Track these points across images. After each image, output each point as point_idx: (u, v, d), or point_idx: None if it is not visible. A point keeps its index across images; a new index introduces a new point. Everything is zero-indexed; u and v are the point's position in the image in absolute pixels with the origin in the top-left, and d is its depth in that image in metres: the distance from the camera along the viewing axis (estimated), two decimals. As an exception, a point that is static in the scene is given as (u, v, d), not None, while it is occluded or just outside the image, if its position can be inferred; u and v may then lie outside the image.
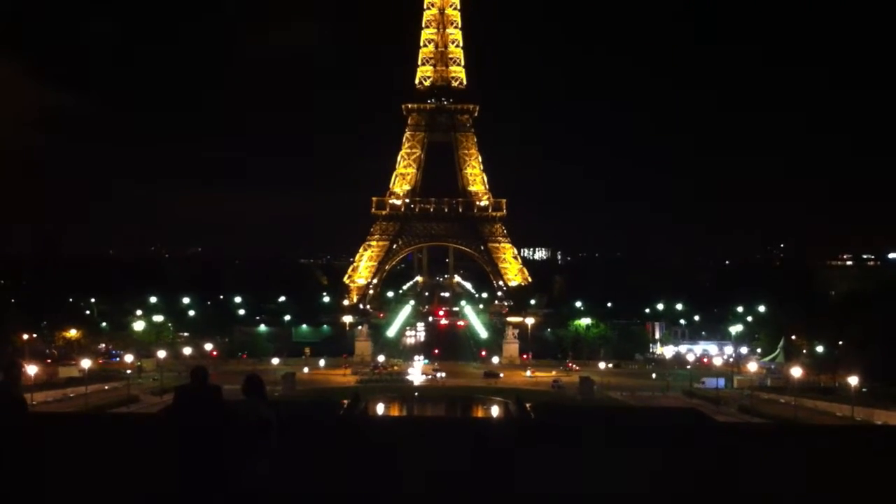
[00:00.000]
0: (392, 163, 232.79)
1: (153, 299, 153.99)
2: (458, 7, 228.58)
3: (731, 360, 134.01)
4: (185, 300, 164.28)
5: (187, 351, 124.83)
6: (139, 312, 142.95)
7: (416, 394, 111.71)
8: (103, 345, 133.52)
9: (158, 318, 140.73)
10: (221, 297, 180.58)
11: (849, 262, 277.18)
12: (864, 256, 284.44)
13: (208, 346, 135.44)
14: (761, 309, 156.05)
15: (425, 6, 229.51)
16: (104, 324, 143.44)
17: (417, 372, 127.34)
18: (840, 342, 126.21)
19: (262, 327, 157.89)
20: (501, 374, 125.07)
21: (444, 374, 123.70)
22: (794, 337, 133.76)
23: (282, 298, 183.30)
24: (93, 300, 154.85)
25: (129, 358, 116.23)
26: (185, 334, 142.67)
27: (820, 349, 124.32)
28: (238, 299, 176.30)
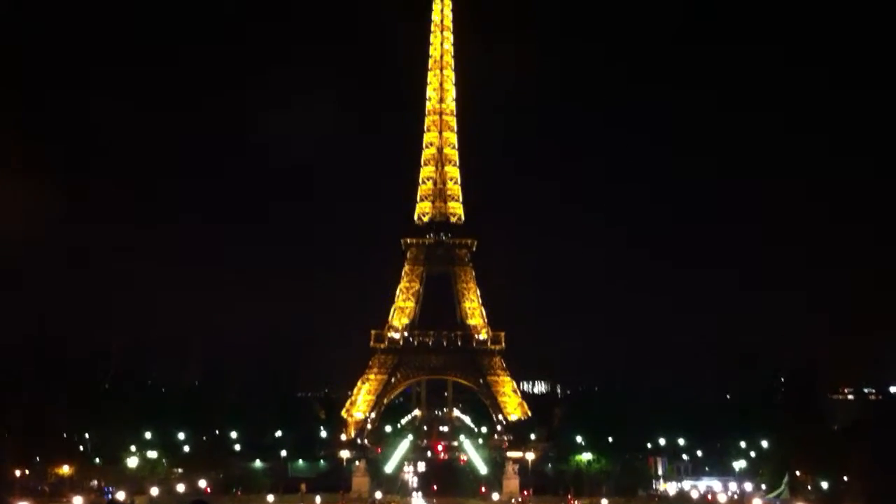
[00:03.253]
0: (390, 295, 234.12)
1: (147, 434, 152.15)
2: (456, 146, 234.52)
3: (736, 496, 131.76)
4: (180, 435, 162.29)
5: (181, 487, 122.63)
6: (133, 448, 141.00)
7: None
8: (95, 481, 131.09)
9: (152, 454, 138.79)
10: (217, 431, 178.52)
11: (850, 396, 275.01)
12: (866, 390, 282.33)
13: (202, 483, 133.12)
14: (764, 444, 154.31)
15: (424, 145, 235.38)
16: (97, 459, 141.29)
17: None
18: (845, 476, 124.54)
19: (258, 462, 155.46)
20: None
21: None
22: (798, 472, 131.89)
23: (278, 433, 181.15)
24: (87, 435, 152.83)
25: (121, 495, 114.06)
26: (179, 470, 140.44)
27: (825, 484, 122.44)
28: (234, 434, 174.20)
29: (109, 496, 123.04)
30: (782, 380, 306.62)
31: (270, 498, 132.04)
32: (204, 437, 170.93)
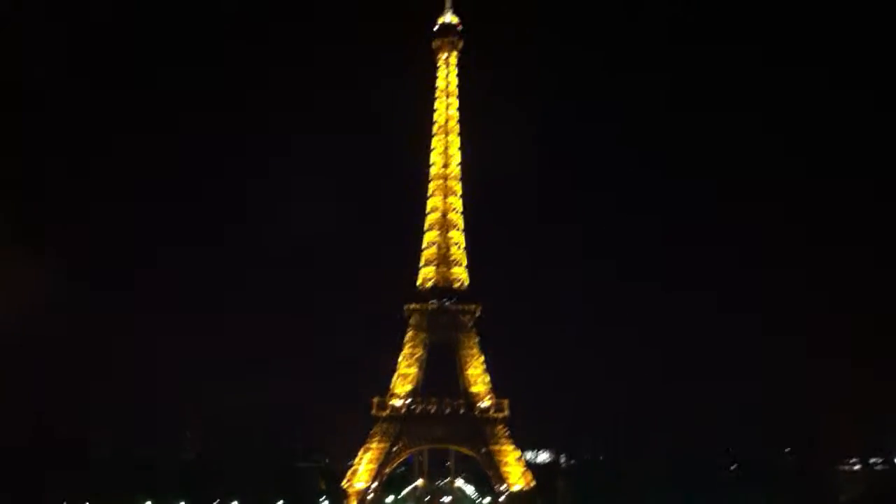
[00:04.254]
0: (392, 362, 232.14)
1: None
2: (461, 211, 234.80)
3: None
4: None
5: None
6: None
7: None
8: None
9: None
10: (217, 502, 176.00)
11: (856, 467, 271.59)
12: (872, 461, 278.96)
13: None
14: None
15: (427, 210, 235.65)
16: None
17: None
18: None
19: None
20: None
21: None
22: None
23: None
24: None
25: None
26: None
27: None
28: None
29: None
30: (787, 450, 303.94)
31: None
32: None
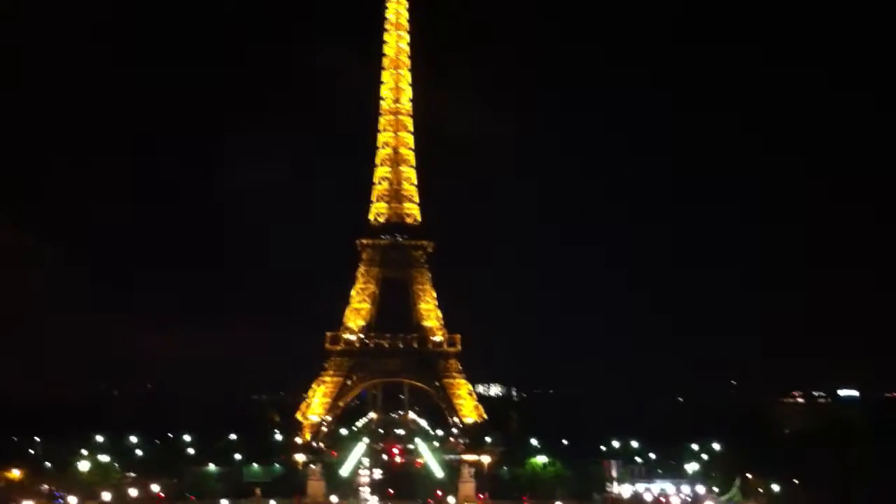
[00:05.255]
0: (345, 297, 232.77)
1: (99, 438, 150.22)
2: (413, 147, 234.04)
3: (689, 498, 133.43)
4: (133, 439, 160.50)
5: (133, 492, 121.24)
6: (84, 452, 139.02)
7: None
8: (46, 486, 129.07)
9: (104, 459, 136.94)
10: (170, 435, 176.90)
11: (800, 400, 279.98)
12: (815, 394, 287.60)
13: (155, 488, 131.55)
14: (716, 447, 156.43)
15: (380, 145, 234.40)
16: (48, 463, 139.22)
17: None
18: (795, 480, 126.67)
19: (212, 467, 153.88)
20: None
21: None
22: (749, 475, 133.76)
23: (233, 437, 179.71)
24: (37, 439, 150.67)
25: (72, 500, 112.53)
26: (132, 475, 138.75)
27: (776, 488, 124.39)
28: (187, 438, 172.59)
29: (60, 501, 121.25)
30: (733, 383, 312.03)
31: (225, 502, 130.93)
32: (157, 441, 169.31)
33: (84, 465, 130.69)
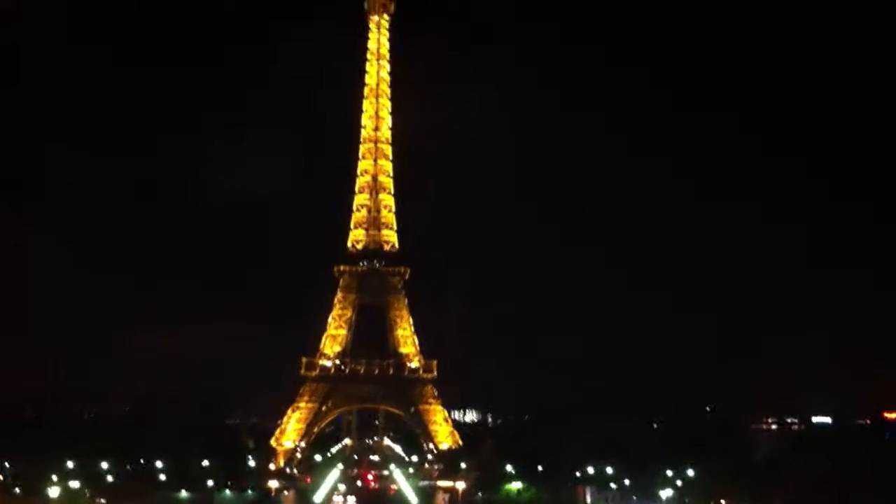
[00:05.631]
0: (322, 323, 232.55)
1: (70, 464, 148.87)
2: (391, 174, 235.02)
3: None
4: (104, 464, 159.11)
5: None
6: (55, 478, 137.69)
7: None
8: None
9: (75, 485, 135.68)
10: (142, 460, 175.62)
11: (773, 426, 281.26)
12: (789, 420, 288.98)
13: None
14: (690, 473, 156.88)
15: (358, 172, 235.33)
16: (17, 489, 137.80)
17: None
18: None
19: (184, 492, 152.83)
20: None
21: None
22: (723, 501, 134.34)
23: (205, 463, 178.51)
24: (7, 464, 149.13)
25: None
26: (103, 501, 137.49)
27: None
28: (159, 463, 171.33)
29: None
30: (708, 409, 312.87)
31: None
32: (128, 467, 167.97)
33: (54, 492, 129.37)
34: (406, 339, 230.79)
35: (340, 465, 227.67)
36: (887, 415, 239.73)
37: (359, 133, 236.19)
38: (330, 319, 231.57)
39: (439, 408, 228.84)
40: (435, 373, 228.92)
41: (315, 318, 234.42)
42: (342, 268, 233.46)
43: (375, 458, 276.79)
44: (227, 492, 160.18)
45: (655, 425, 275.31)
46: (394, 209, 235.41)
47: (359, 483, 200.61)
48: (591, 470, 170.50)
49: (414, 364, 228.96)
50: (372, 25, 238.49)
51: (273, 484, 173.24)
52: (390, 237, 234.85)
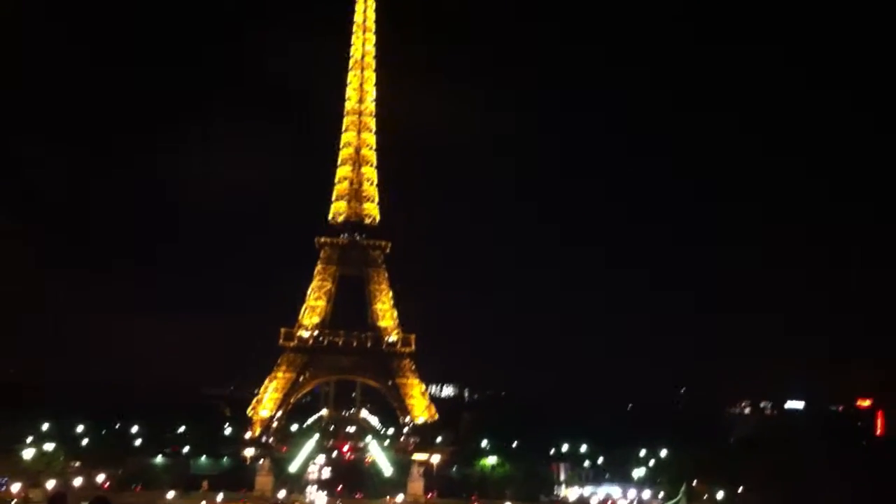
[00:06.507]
0: (301, 294, 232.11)
1: (45, 426, 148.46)
2: (374, 147, 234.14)
3: (635, 503, 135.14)
4: (79, 427, 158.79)
5: (78, 482, 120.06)
6: (29, 439, 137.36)
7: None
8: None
9: (49, 447, 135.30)
10: (118, 425, 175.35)
11: (747, 410, 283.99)
12: (762, 405, 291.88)
13: (101, 478, 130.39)
14: (663, 453, 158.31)
15: (341, 145, 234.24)
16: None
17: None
18: (740, 488, 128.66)
19: (159, 458, 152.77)
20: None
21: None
22: (695, 482, 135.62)
23: (181, 429, 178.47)
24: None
25: (15, 487, 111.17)
26: (77, 464, 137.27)
27: (720, 494, 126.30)
28: (135, 428, 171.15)
29: (3, 487, 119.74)
30: (682, 391, 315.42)
31: (171, 495, 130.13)
32: (104, 431, 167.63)
33: (29, 453, 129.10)
34: (385, 312, 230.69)
35: (317, 436, 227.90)
36: (860, 402, 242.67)
37: (342, 107, 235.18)
38: (310, 291, 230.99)
39: (417, 381, 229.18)
40: (413, 347, 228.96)
41: (297, 289, 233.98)
42: (323, 239, 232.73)
43: (352, 429, 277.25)
44: (203, 458, 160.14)
45: (630, 405, 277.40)
46: (376, 182, 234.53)
47: (334, 454, 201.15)
48: (565, 447, 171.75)
49: (393, 338, 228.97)
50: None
51: (249, 452, 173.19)
52: (372, 210, 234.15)
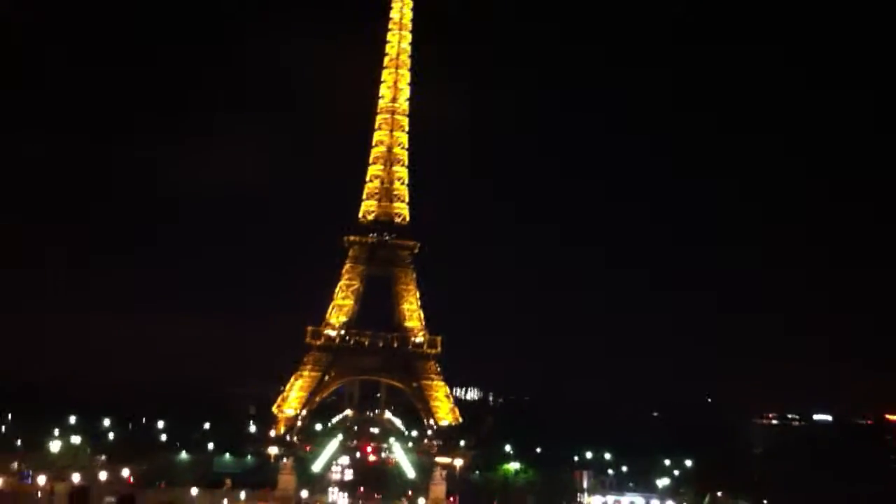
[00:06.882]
0: (329, 293, 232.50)
1: (72, 420, 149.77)
2: (406, 146, 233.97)
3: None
4: (106, 422, 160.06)
5: (103, 476, 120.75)
6: (56, 432, 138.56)
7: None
8: (15, 464, 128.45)
9: (76, 440, 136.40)
10: (144, 420, 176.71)
11: (774, 421, 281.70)
12: (790, 416, 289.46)
13: (125, 473, 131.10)
14: (688, 463, 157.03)
15: (373, 143, 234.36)
16: (19, 442, 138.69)
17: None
18: (764, 501, 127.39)
19: (184, 455, 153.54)
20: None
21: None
22: (719, 493, 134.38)
23: (206, 426, 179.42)
24: (10, 416, 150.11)
25: (41, 480, 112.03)
26: (103, 458, 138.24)
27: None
28: (160, 424, 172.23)
29: (29, 480, 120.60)
30: (709, 400, 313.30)
31: (194, 491, 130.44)
32: (130, 426, 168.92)
33: (55, 446, 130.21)
34: (412, 313, 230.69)
35: (340, 436, 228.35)
36: (889, 416, 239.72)
37: (375, 104, 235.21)
38: (337, 290, 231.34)
39: (441, 384, 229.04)
40: (439, 349, 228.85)
41: (325, 288, 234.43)
42: (351, 238, 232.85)
43: (375, 430, 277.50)
44: (227, 456, 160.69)
45: (656, 413, 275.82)
46: (407, 181, 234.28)
47: (357, 454, 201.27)
48: (589, 455, 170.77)
49: (419, 339, 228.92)
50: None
51: (272, 450, 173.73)
52: (402, 210, 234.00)
